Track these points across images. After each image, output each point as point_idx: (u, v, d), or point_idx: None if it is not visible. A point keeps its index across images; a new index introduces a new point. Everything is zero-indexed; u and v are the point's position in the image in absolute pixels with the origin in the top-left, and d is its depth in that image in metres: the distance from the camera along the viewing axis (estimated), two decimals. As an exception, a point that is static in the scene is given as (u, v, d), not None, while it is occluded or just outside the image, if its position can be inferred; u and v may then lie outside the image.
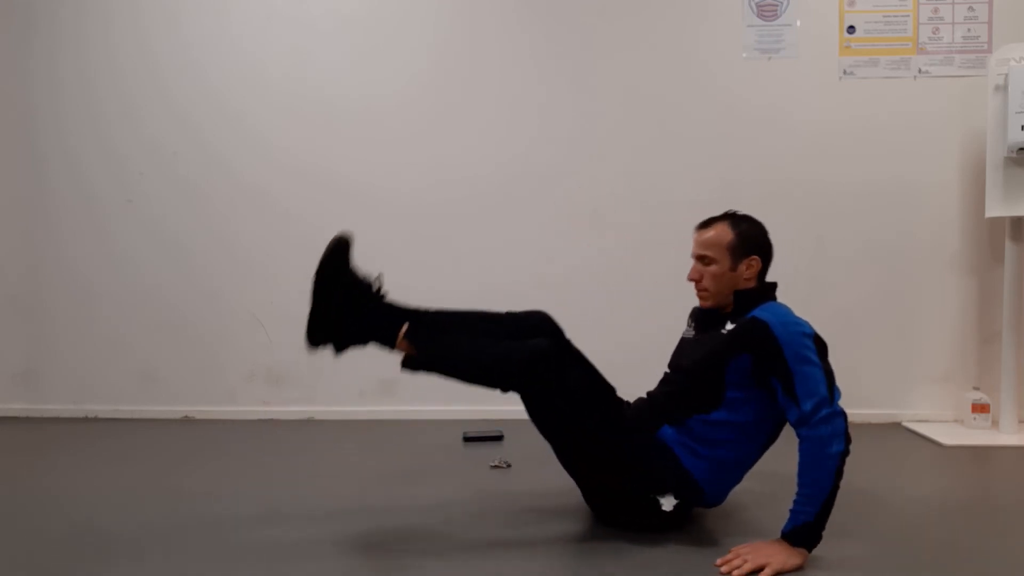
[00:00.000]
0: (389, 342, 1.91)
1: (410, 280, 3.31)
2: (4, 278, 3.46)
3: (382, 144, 3.33)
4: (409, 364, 1.90)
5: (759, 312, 1.80)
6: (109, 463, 2.61)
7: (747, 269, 1.89)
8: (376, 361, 3.30)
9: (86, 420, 3.37)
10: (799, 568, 1.61)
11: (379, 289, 1.96)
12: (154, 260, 3.40)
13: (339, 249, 1.89)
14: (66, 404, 3.42)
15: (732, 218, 1.93)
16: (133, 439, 2.97)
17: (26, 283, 3.45)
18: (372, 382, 3.34)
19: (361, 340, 1.92)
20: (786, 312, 1.81)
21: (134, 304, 3.41)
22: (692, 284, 1.95)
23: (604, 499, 1.94)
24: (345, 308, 1.87)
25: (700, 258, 1.92)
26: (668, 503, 1.81)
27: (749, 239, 1.90)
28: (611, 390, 1.96)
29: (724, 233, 1.89)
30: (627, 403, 2.04)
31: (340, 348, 1.92)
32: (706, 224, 1.94)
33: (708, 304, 1.93)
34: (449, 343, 1.91)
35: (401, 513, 2.04)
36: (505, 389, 1.85)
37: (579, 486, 1.97)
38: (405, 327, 1.89)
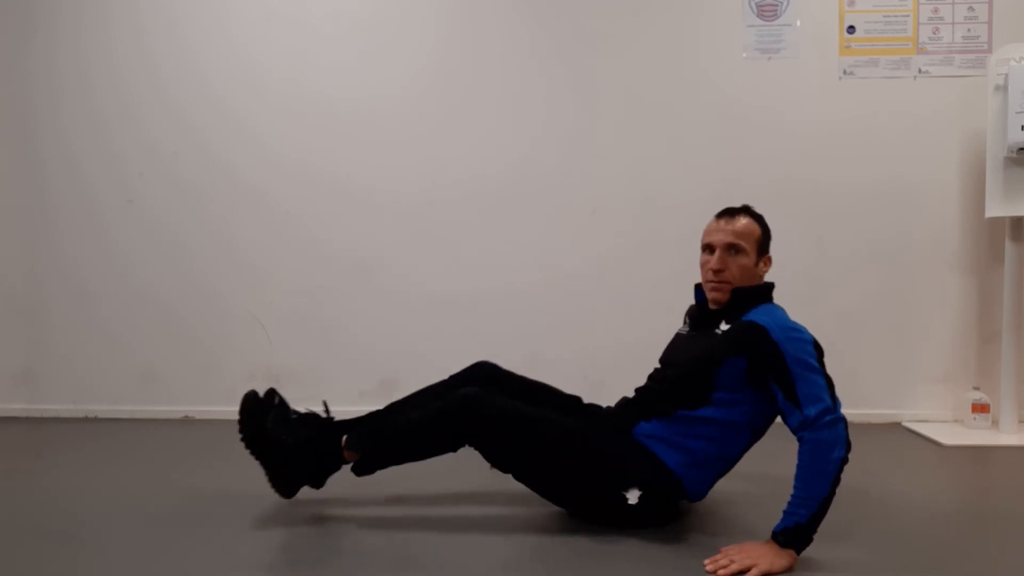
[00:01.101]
0: (340, 460, 1.97)
1: (410, 280, 3.33)
2: (4, 278, 3.46)
3: (381, 145, 3.33)
4: (357, 470, 1.95)
5: (756, 315, 1.79)
6: (109, 463, 2.61)
7: (764, 266, 1.91)
8: (376, 361, 3.33)
9: (86, 420, 3.37)
10: (787, 570, 1.60)
11: (309, 415, 2.04)
12: (154, 260, 3.40)
13: (251, 407, 2.00)
14: (66, 404, 3.42)
15: (754, 214, 1.93)
16: (133, 439, 2.97)
17: (26, 283, 3.45)
18: (372, 382, 3.34)
19: (323, 470, 1.99)
20: (783, 316, 1.81)
21: (134, 304, 3.40)
22: (695, 280, 1.95)
23: (577, 506, 1.96)
24: (286, 458, 1.95)
25: (730, 247, 1.86)
26: (633, 496, 1.82)
27: (768, 238, 1.92)
28: (566, 404, 2.03)
29: (754, 226, 1.89)
30: (603, 408, 2.07)
31: (316, 484, 2.01)
32: (734, 213, 1.91)
33: (723, 298, 1.88)
34: (384, 432, 1.97)
35: (400, 513, 2.04)
36: (454, 447, 1.90)
37: (556, 504, 2.00)
38: (344, 439, 1.96)
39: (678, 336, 2.04)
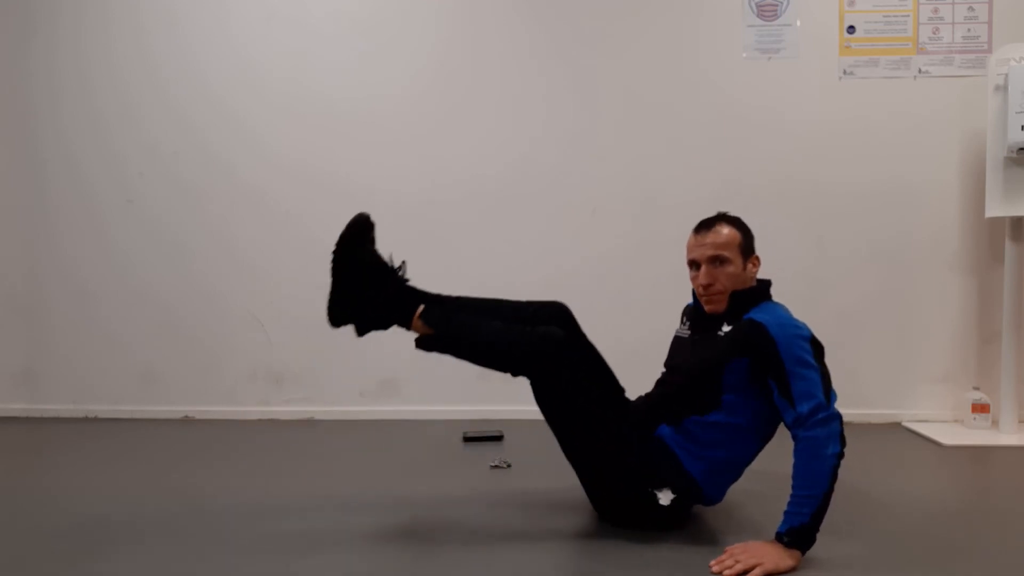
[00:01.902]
0: (405, 322, 1.92)
1: (410, 280, 3.32)
2: (4, 278, 3.46)
3: (381, 145, 3.33)
4: (422, 344, 1.92)
5: (756, 314, 1.79)
6: (109, 463, 2.61)
7: (752, 268, 1.90)
8: (376, 361, 3.33)
9: (86, 420, 3.37)
10: (792, 569, 1.61)
11: (400, 272, 1.99)
12: (154, 260, 3.40)
13: (358, 228, 1.93)
14: (66, 404, 3.42)
15: (731, 219, 1.93)
16: (133, 439, 2.97)
17: (26, 283, 3.45)
18: (372, 382, 3.34)
19: (380, 320, 1.93)
20: (783, 313, 1.81)
21: (134, 304, 3.41)
22: (692, 290, 1.94)
23: (603, 491, 1.94)
24: (364, 287, 1.90)
25: (714, 259, 1.87)
26: (665, 497, 1.81)
27: (750, 238, 1.92)
28: (619, 389, 1.97)
29: (733, 233, 1.88)
30: (630, 401, 2.04)
31: (361, 329, 1.94)
32: (710, 225, 1.90)
33: (720, 309, 1.88)
34: (463, 325, 1.94)
35: (401, 513, 2.04)
36: (516, 373, 1.88)
37: (579, 477, 1.97)
38: (421, 308, 1.91)
39: (679, 339, 2.03)
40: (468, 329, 1.93)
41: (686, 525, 1.89)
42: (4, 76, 3.43)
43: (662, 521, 1.85)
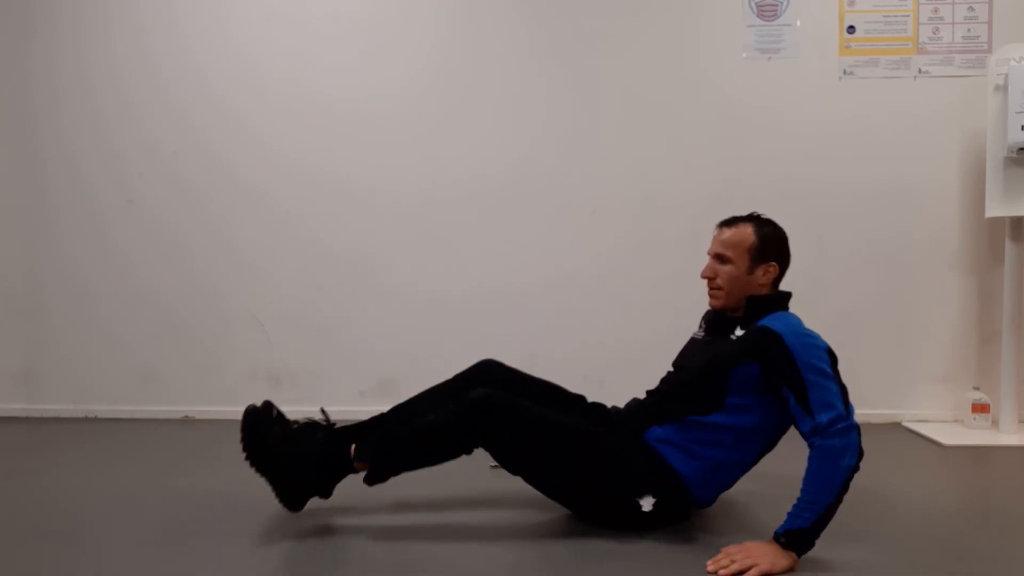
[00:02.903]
0: (349, 469, 1.91)
1: (410, 280, 3.33)
2: (4, 278, 3.46)
3: (381, 145, 3.33)
4: (370, 479, 1.90)
5: (770, 321, 1.78)
6: (109, 463, 2.61)
7: (763, 275, 1.88)
8: (376, 361, 3.33)
9: (86, 420, 3.37)
10: (788, 570, 1.60)
11: (313, 424, 1.99)
12: (154, 260, 3.40)
13: (253, 422, 1.92)
14: (66, 404, 3.42)
15: (757, 220, 1.92)
16: (133, 439, 2.97)
17: (26, 283, 3.45)
18: (372, 382, 3.34)
19: (331, 475, 1.92)
20: (798, 323, 1.80)
21: (134, 304, 3.40)
22: (703, 282, 1.94)
23: (586, 507, 1.95)
24: (293, 464, 1.89)
25: (717, 256, 1.89)
26: (647, 503, 1.82)
27: (770, 244, 1.89)
28: (577, 405, 1.99)
29: (746, 235, 1.88)
30: (608, 407, 2.05)
31: (324, 493, 1.94)
32: (729, 222, 1.91)
33: (719, 304, 1.91)
34: (398, 442, 1.90)
35: (401, 513, 2.04)
36: (469, 451, 1.87)
37: (565, 507, 1.98)
38: (353, 449, 1.90)
39: (693, 340, 2.03)
40: (402, 441, 1.90)
41: (684, 526, 1.89)
42: (4, 76, 3.43)
43: (646, 526, 1.84)
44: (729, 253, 1.87)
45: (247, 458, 1.90)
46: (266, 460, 1.90)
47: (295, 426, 1.98)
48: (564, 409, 2.01)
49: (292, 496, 1.91)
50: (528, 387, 2.07)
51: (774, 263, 1.89)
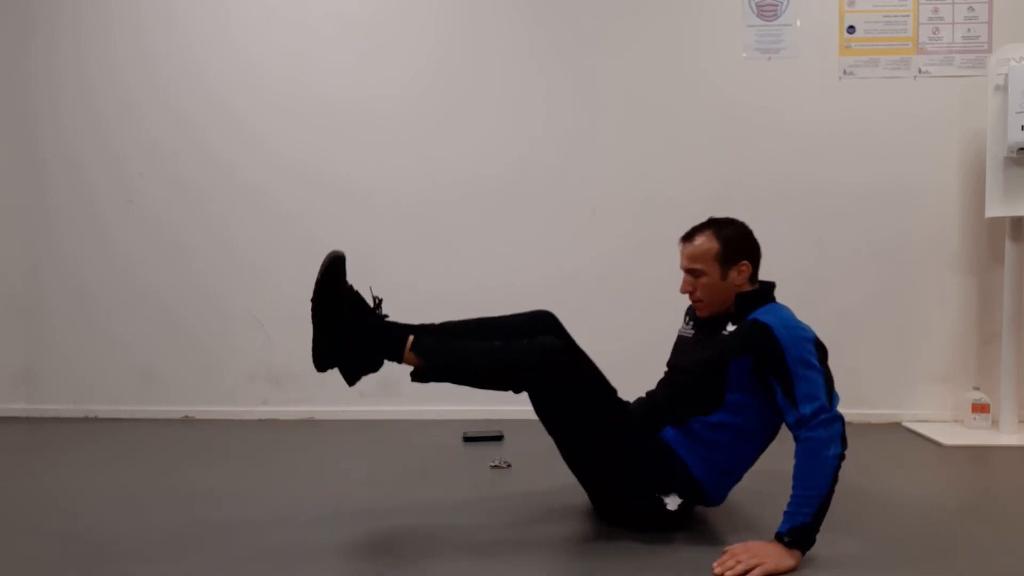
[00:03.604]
0: (396, 356, 1.86)
1: (411, 281, 3.33)
2: (4, 278, 3.46)
3: (381, 145, 3.33)
4: (418, 376, 1.86)
5: (760, 314, 1.80)
6: (109, 463, 2.61)
7: (738, 275, 1.89)
8: (376, 361, 3.33)
9: (86, 420, 3.37)
10: (793, 569, 1.61)
11: (379, 307, 1.93)
12: (154, 260, 3.40)
13: (334, 268, 1.83)
14: (66, 404, 3.42)
15: (715, 225, 1.92)
16: (133, 439, 2.97)
17: (26, 283, 3.45)
18: (372, 382, 3.29)
19: (370, 358, 1.86)
20: (788, 315, 1.81)
21: (134, 304, 3.40)
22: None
23: (610, 498, 1.93)
24: (348, 328, 1.82)
25: (689, 271, 1.91)
26: (672, 502, 1.82)
27: (734, 246, 1.89)
28: (614, 391, 1.96)
29: (709, 244, 1.88)
30: (628, 404, 2.04)
31: (351, 374, 1.87)
32: (689, 236, 1.93)
33: (706, 313, 1.93)
34: (456, 350, 1.89)
35: (401, 513, 2.04)
36: (518, 390, 1.84)
37: (583, 485, 1.97)
38: (410, 339, 1.86)
39: (682, 339, 2.03)
40: (462, 353, 1.88)
41: (690, 525, 1.89)
42: (4, 76, 3.43)
43: (668, 525, 1.85)
44: (698, 266, 1.89)
45: (313, 300, 1.81)
46: (326, 311, 1.81)
47: (361, 297, 1.90)
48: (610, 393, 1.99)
49: (327, 351, 1.82)
50: (578, 353, 2.01)
51: (745, 261, 1.90)
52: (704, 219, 1.97)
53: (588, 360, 1.97)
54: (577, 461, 1.92)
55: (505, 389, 1.85)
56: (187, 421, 3.34)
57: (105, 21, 3.39)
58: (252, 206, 3.37)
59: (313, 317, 1.82)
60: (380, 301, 1.94)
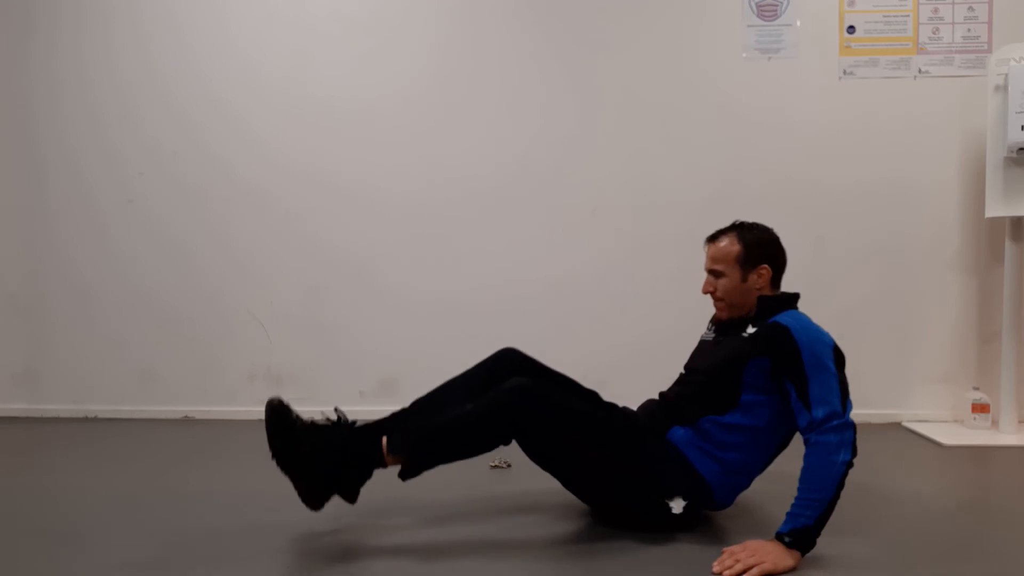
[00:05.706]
0: (379, 462, 1.83)
1: (410, 280, 3.33)
2: (4, 278, 3.46)
3: (381, 145, 3.33)
4: (406, 473, 1.83)
5: (781, 317, 1.81)
6: (109, 463, 2.61)
7: (758, 278, 1.91)
8: (376, 361, 3.33)
9: (86, 420, 3.37)
10: (792, 569, 1.61)
11: (341, 418, 1.89)
12: (154, 260, 3.40)
13: (275, 418, 1.81)
14: (66, 404, 3.42)
15: (740, 229, 1.94)
16: (133, 439, 2.97)
17: (26, 283, 3.45)
18: (372, 382, 3.34)
19: (357, 474, 1.83)
20: (809, 321, 1.83)
21: (134, 304, 3.41)
22: (702, 281, 1.97)
23: (615, 510, 1.93)
24: (320, 460, 1.79)
25: (711, 272, 1.94)
26: (677, 506, 1.82)
27: (756, 250, 1.91)
28: (597, 398, 1.98)
29: (731, 246, 1.91)
30: (620, 407, 2.05)
31: (347, 495, 1.84)
32: (714, 237, 1.96)
33: (725, 315, 1.95)
34: (431, 433, 1.85)
35: (401, 513, 2.04)
36: (507, 441, 1.83)
37: (590, 505, 1.97)
38: (384, 442, 1.83)
39: (703, 343, 2.05)
40: (439, 434, 1.84)
41: (693, 526, 1.89)
42: (4, 76, 3.43)
43: (673, 528, 1.84)
44: (719, 267, 1.92)
45: (273, 455, 1.79)
46: (291, 456, 1.78)
47: (317, 423, 1.88)
48: (593, 405, 1.99)
49: (315, 493, 1.80)
50: (548, 379, 2.02)
51: (765, 265, 1.92)
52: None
53: (562, 380, 1.99)
54: (579, 487, 1.93)
55: (495, 446, 1.83)
56: (187, 421, 3.34)
57: (105, 21, 3.39)
58: (252, 206, 3.37)
59: (281, 469, 1.80)
60: (340, 412, 1.91)
